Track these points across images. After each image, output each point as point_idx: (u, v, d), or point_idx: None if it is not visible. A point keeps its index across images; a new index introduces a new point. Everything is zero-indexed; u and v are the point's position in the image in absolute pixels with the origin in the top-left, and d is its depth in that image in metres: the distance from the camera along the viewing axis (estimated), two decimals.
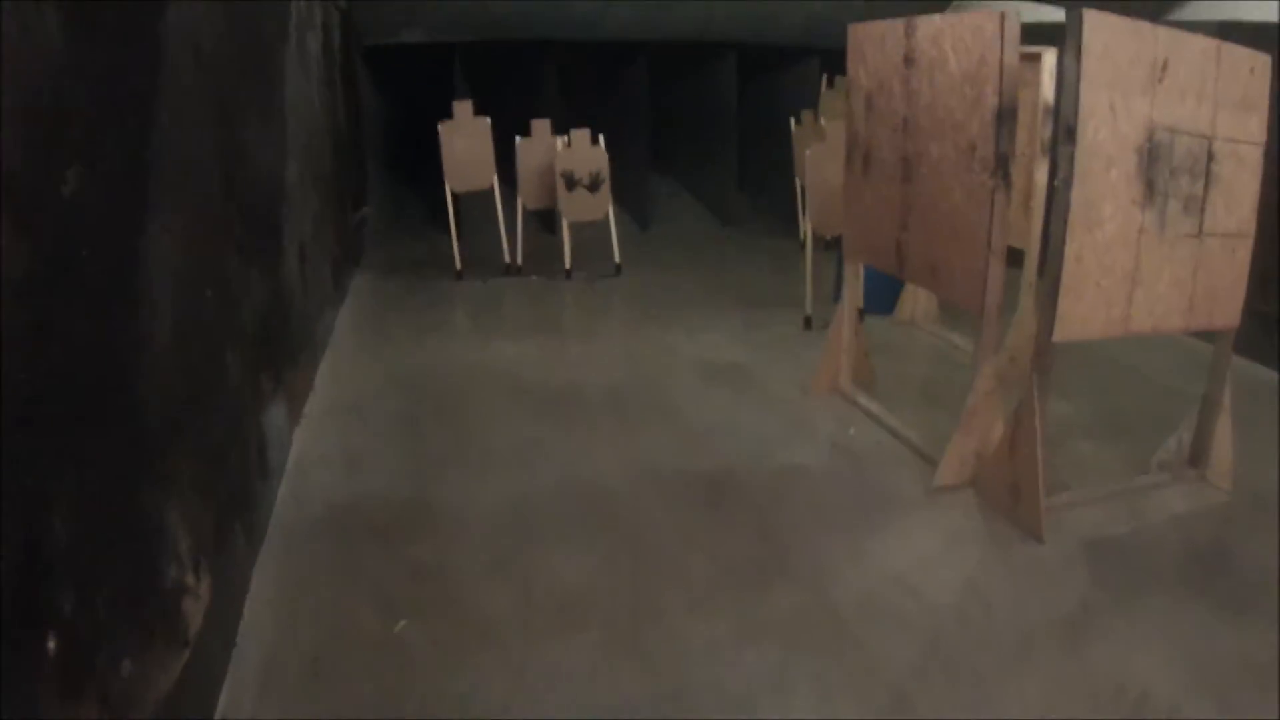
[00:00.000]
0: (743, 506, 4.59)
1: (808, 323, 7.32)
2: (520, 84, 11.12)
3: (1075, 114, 3.87)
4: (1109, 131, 3.94)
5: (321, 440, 5.28)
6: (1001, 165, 4.29)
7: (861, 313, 5.97)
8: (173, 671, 2.73)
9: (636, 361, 6.67)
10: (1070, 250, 3.97)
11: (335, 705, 3.18)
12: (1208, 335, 4.65)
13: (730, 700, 3.24)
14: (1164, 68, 3.99)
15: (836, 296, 6.73)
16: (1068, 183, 3.92)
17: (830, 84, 10.75)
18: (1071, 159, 3.90)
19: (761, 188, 11.98)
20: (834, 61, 9.98)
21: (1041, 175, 5.71)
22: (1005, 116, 4.25)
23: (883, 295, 7.27)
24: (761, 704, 3.22)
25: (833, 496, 4.69)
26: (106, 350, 2.44)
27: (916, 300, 7.36)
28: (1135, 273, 4.13)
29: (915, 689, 3.29)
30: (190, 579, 2.98)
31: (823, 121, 9.48)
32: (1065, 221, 3.94)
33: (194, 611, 2.99)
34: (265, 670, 3.33)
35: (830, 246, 8.21)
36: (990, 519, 4.42)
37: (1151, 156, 4.04)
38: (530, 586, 3.91)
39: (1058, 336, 4.06)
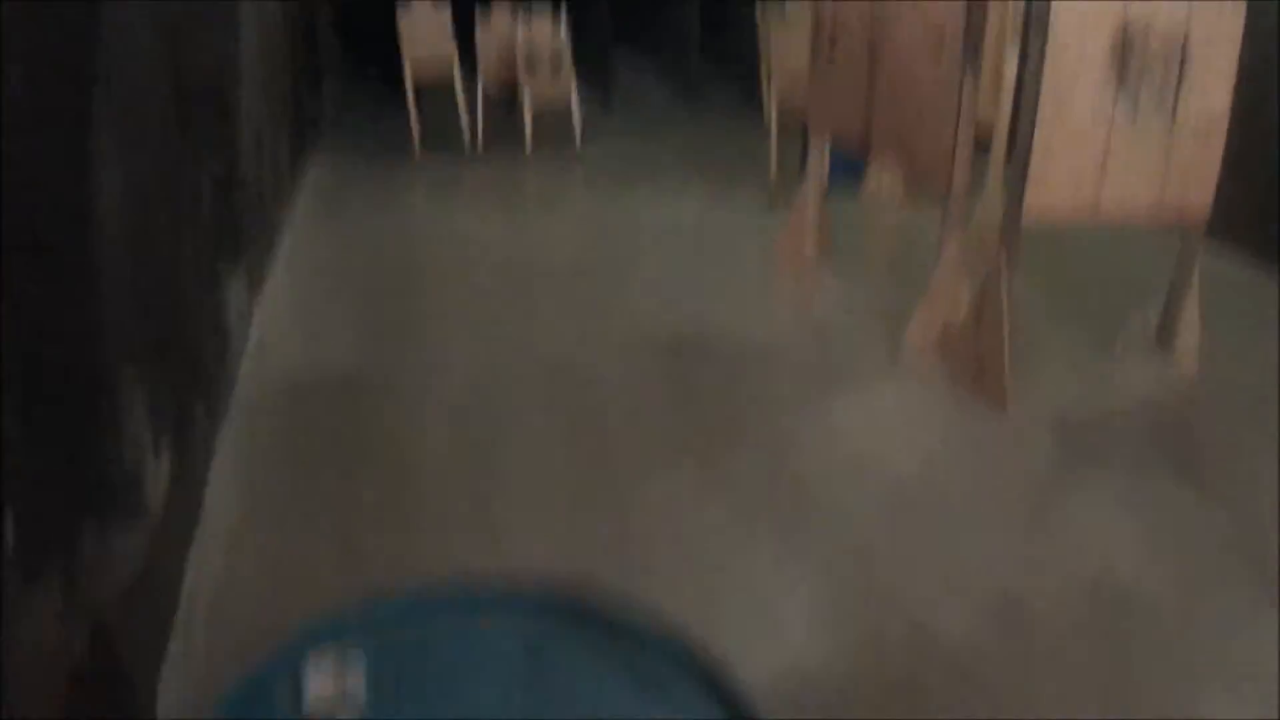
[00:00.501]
0: (707, 376, 4.65)
1: (772, 200, 7.31)
2: None
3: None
4: (1082, 18, 3.92)
5: (282, 319, 5.27)
6: (971, 49, 4.27)
7: (827, 190, 5.96)
8: (138, 549, 2.74)
9: (600, 237, 6.71)
10: (1040, 136, 3.99)
11: (298, 571, 3.22)
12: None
13: (692, 556, 3.31)
14: None
15: (801, 175, 6.72)
16: (1038, 69, 3.92)
17: None
18: (1044, 45, 3.90)
19: (724, 66, 11.85)
20: None
21: (1012, 59, 5.69)
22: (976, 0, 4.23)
23: (847, 174, 7.24)
24: (723, 559, 3.30)
25: (796, 367, 4.76)
26: (56, 232, 2.41)
27: (882, 180, 7.34)
28: (1105, 161, 4.15)
29: (877, 550, 3.37)
30: (150, 458, 2.99)
31: (788, 3, 9.37)
32: (1035, 108, 3.95)
33: (155, 490, 3.00)
34: (230, 540, 3.37)
35: (793, 127, 8.16)
36: (954, 390, 4.48)
37: (1125, 45, 4.04)
38: (491, 453, 3.97)
39: (1026, 218, 4.10)
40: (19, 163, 2.16)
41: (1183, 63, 4.15)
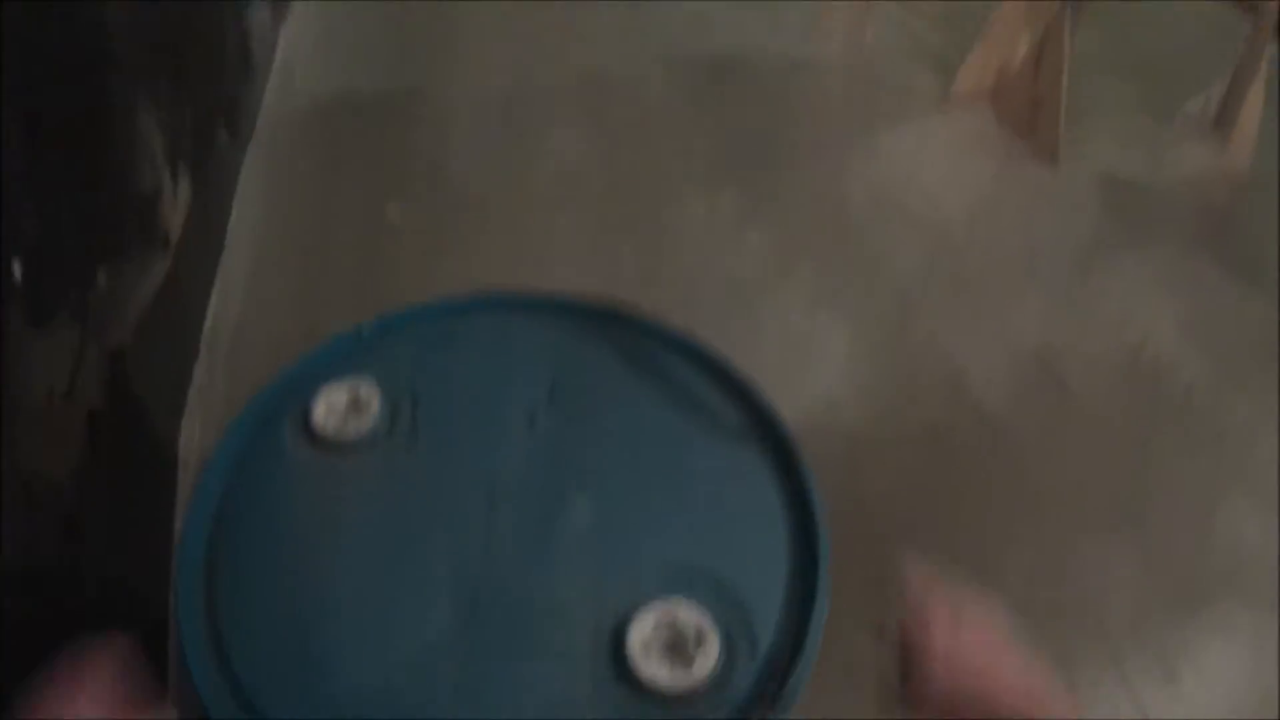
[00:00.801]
0: (751, 94, 4.43)
1: None
2: None
3: None
4: None
5: (308, 36, 4.99)
6: None
7: None
8: (154, 279, 2.65)
9: None
10: None
11: (325, 295, 3.16)
12: None
13: (729, 281, 3.26)
14: None
15: None
16: None
17: None
18: None
19: None
20: None
21: None
22: None
23: None
24: (759, 292, 3.25)
25: (847, 91, 4.54)
26: None
27: None
28: None
29: (918, 291, 3.31)
30: (167, 182, 2.87)
31: None
32: None
33: (172, 215, 2.90)
34: (254, 268, 3.29)
35: None
36: (1006, 134, 4.29)
37: None
38: (526, 169, 3.84)
39: None
40: None
41: None
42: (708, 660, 1.21)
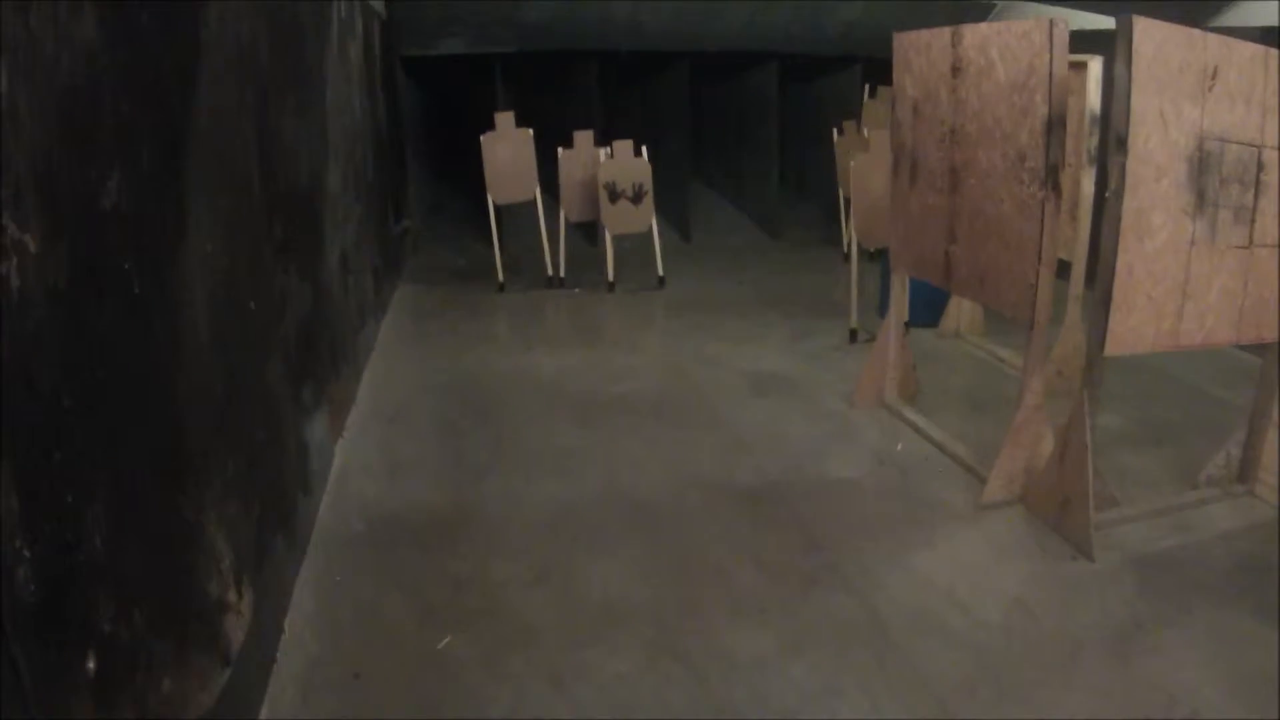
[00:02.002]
0: (788, 517, 4.55)
1: (853, 335, 7.26)
2: (560, 93, 11.13)
3: (1126, 122, 3.82)
4: (1159, 140, 3.88)
5: (363, 451, 5.29)
6: (1052, 175, 4.24)
7: (906, 325, 5.92)
8: (213, 690, 2.71)
9: (680, 372, 6.66)
10: (1121, 262, 3.91)
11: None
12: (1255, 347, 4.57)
13: (775, 712, 3.22)
14: (1214, 75, 3.94)
15: (882, 309, 6.69)
16: (1119, 193, 3.86)
17: (873, 94, 10.70)
18: (1123, 168, 3.84)
19: (803, 197, 11.94)
20: (876, 71, 9.95)
21: (1088, 184, 5.67)
22: (1055, 125, 4.20)
23: (927, 307, 7.21)
24: (807, 715, 3.20)
25: (879, 509, 4.65)
26: (145, 359, 2.43)
27: (961, 312, 7.30)
28: (1185, 285, 4.07)
29: (962, 703, 3.25)
30: (232, 595, 2.97)
31: (865, 132, 9.44)
32: (1116, 232, 3.89)
33: (236, 628, 2.98)
34: (305, 685, 3.33)
35: (873, 257, 8.16)
36: (1038, 533, 4.36)
37: (1202, 165, 3.98)
38: (572, 596, 3.91)
39: (1109, 350, 4.02)
40: (112, 273, 2.19)
41: (1258, 178, 4.09)
42: None
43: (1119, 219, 3.88)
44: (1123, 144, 3.83)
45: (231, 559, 2.98)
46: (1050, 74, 4.17)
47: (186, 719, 2.49)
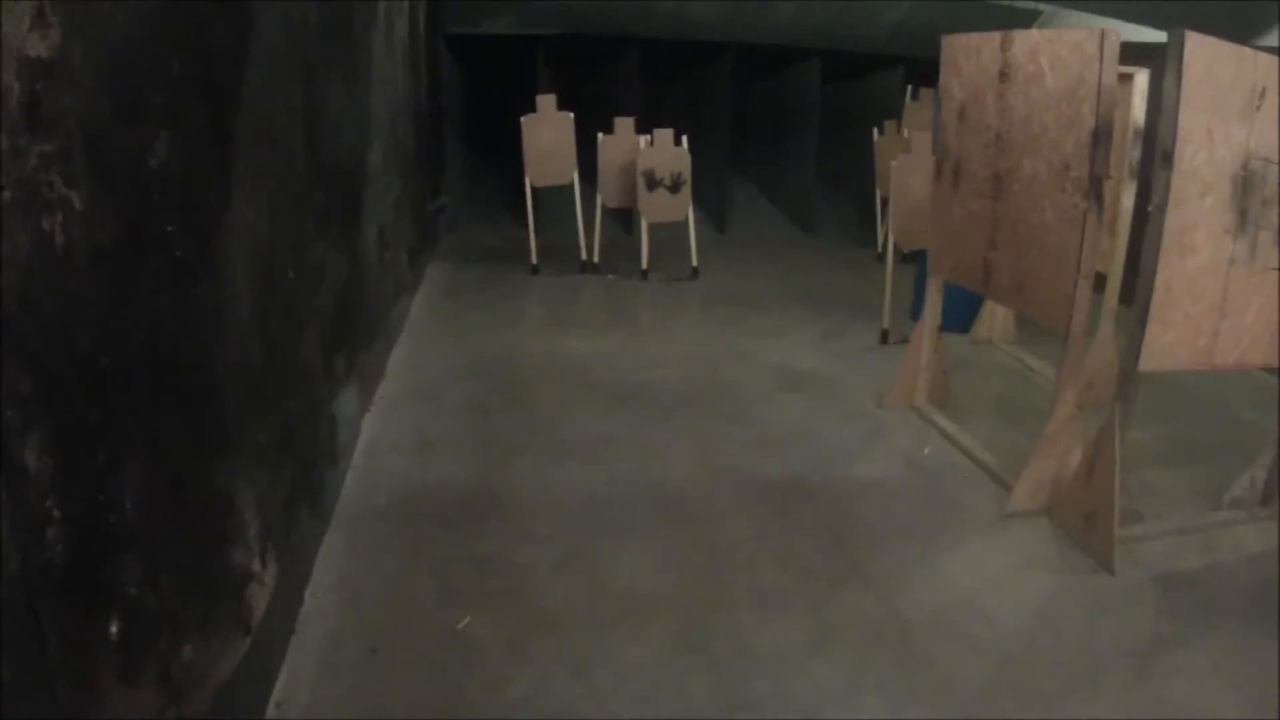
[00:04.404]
0: (814, 515, 4.55)
1: (884, 336, 7.24)
2: (602, 79, 11.12)
3: (1174, 138, 3.79)
4: (1206, 157, 3.85)
5: (391, 426, 5.31)
6: (1095, 186, 4.21)
7: (939, 330, 5.90)
8: (234, 658, 2.73)
9: (711, 363, 6.65)
10: (1161, 278, 3.89)
11: (393, 698, 3.18)
12: None
13: (797, 709, 3.21)
14: (1262, 95, 3.90)
15: (915, 312, 6.67)
16: (1163, 208, 3.83)
17: (915, 95, 10.66)
18: (1168, 184, 3.81)
19: (839, 195, 11.90)
20: (918, 72, 9.92)
21: (1128, 198, 5.63)
22: (1101, 137, 4.18)
23: (959, 313, 7.17)
24: (828, 714, 3.20)
25: (906, 512, 4.63)
26: (184, 323, 2.44)
27: (994, 319, 7.26)
28: (1223, 304, 4.04)
29: (983, 710, 3.25)
30: (257, 565, 2.99)
31: (906, 132, 9.40)
32: (1158, 248, 3.86)
33: (259, 598, 3.00)
34: (324, 658, 3.34)
35: (907, 260, 8.13)
36: (1063, 545, 4.34)
37: (1245, 185, 3.95)
38: (597, 582, 3.91)
39: (1143, 366, 3.99)
40: (156, 236, 2.20)
41: None
42: None
43: (1161, 234, 3.85)
44: (1169, 159, 3.80)
45: (258, 528, 3.00)
46: (1099, 85, 4.14)
47: (206, 686, 2.51)
